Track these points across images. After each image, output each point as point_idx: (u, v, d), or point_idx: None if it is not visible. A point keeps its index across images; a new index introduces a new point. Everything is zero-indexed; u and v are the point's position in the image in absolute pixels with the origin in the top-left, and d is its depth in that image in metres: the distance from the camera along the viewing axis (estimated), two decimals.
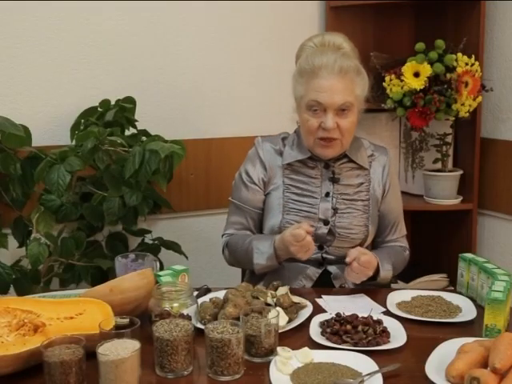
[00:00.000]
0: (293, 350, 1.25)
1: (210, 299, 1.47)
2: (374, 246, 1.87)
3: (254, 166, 1.79)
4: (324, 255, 1.73)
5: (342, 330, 1.33)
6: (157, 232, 2.28)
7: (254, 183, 1.78)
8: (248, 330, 1.25)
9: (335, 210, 1.72)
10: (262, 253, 1.68)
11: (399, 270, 1.80)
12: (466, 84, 2.17)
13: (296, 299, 1.49)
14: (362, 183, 1.77)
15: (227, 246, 1.81)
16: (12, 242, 1.97)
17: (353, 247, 1.66)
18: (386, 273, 1.68)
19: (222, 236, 1.84)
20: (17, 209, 1.96)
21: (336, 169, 1.75)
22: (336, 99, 1.62)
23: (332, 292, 1.66)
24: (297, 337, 1.36)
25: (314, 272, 1.73)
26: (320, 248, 1.73)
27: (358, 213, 1.74)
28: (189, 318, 1.33)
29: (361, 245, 1.73)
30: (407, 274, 1.84)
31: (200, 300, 1.46)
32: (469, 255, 1.63)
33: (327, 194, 1.73)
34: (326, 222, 1.71)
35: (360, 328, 1.33)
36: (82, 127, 2.02)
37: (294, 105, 1.75)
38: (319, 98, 1.63)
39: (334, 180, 1.74)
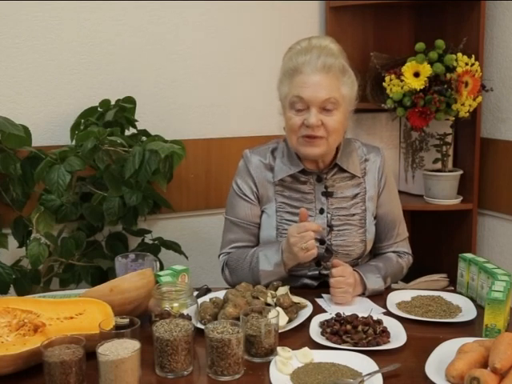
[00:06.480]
0: (293, 350, 1.25)
1: (210, 299, 1.47)
2: (371, 251, 1.81)
3: (246, 181, 1.73)
4: (322, 271, 1.69)
5: (342, 330, 1.33)
6: (157, 232, 2.28)
7: (248, 197, 1.72)
8: (248, 330, 1.25)
9: (331, 227, 1.67)
10: (268, 258, 1.61)
11: (397, 276, 1.75)
12: (466, 84, 2.17)
13: (296, 299, 1.49)
14: (357, 194, 1.70)
15: (227, 265, 1.72)
16: (12, 242, 1.97)
17: (351, 261, 1.66)
18: (374, 283, 1.62)
19: (219, 256, 1.76)
20: (17, 209, 1.96)
21: (329, 181, 1.69)
22: (319, 94, 1.55)
23: None
24: (297, 337, 1.36)
25: (312, 281, 1.70)
26: (317, 265, 1.68)
27: (354, 228, 1.68)
28: (189, 318, 1.32)
29: (360, 257, 1.71)
30: (407, 274, 1.83)
31: (200, 300, 1.46)
32: (469, 255, 1.63)
33: (321, 211, 1.68)
34: (322, 242, 1.66)
35: (360, 328, 1.33)
36: (82, 127, 2.02)
37: (280, 109, 1.67)
38: (301, 93, 1.56)
39: (328, 194, 1.68)
